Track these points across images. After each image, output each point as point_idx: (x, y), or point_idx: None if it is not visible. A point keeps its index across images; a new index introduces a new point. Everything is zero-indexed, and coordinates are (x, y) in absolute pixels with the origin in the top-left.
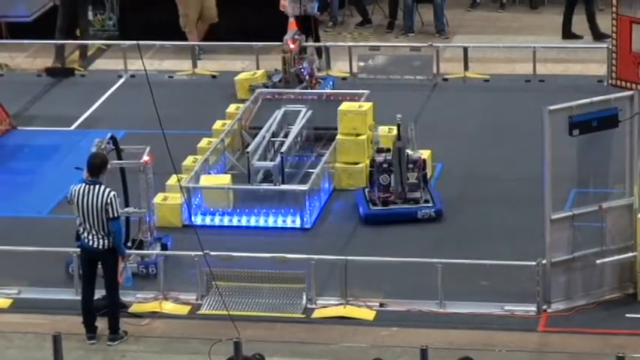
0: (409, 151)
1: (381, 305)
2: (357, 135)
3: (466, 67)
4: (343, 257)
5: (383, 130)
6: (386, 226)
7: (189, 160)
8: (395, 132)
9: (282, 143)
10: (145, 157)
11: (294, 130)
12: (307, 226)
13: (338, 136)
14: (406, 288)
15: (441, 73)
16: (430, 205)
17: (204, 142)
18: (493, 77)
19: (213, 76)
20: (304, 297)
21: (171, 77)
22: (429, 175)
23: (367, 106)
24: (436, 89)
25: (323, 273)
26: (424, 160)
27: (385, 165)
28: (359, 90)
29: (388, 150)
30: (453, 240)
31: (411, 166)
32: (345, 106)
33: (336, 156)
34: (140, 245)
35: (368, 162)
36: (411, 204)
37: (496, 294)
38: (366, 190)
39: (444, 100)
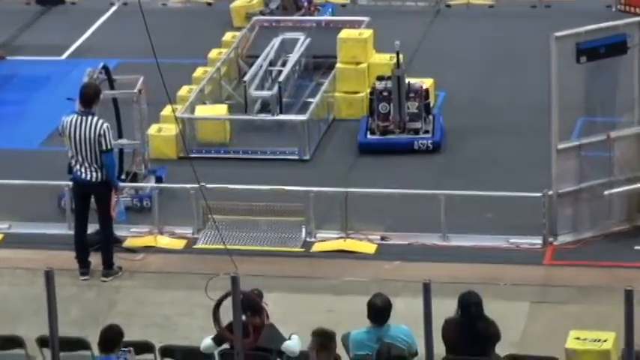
0: (410, 80)
1: (383, 239)
2: (357, 63)
3: None
4: (343, 189)
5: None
6: (385, 156)
7: (184, 90)
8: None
9: (279, 72)
10: (139, 87)
11: (292, 58)
12: (306, 157)
13: (337, 65)
14: (408, 221)
15: None
16: (429, 136)
17: (199, 72)
18: (498, 3)
19: (209, 4)
20: (303, 230)
21: (165, 5)
22: (432, 105)
23: (367, 33)
24: (439, 16)
25: (323, 205)
26: (426, 90)
27: (385, 93)
28: (359, 17)
29: (389, 78)
30: (455, 172)
31: (412, 95)
32: (344, 33)
33: (336, 85)
34: (134, 178)
35: (368, 91)
36: (410, 134)
37: (501, 227)
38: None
39: (447, 27)
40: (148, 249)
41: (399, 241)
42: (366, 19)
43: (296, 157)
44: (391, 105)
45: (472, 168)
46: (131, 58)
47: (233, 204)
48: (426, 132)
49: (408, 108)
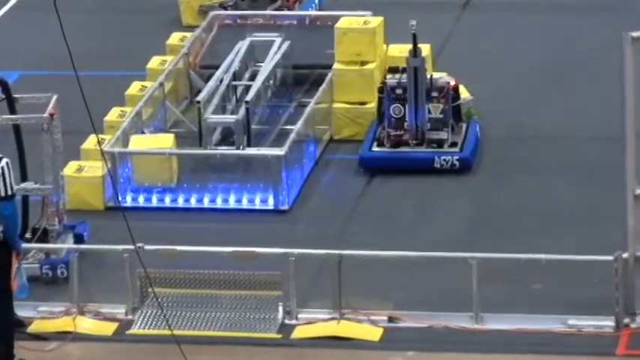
0: (434, 74)
1: (391, 320)
2: (363, 63)
3: None
4: (336, 251)
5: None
6: (396, 178)
7: (113, 114)
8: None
9: (247, 89)
10: (50, 110)
11: (265, 69)
12: (284, 206)
13: (335, 66)
14: (426, 294)
15: None
16: (455, 150)
17: (135, 88)
18: None
19: None
20: (280, 309)
21: None
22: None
23: (376, 22)
24: (468, 9)
25: (307, 274)
26: (455, 87)
27: (398, 91)
28: (358, 12)
29: (405, 70)
30: (490, 209)
31: (435, 94)
32: (344, 22)
33: (334, 93)
34: (44, 236)
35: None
36: (431, 147)
37: (556, 302)
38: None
39: (478, 24)
40: (63, 335)
41: (413, 324)
42: (366, 13)
43: (270, 207)
44: (406, 108)
45: (514, 209)
46: (39, 70)
47: (182, 273)
48: (453, 144)
49: (430, 112)
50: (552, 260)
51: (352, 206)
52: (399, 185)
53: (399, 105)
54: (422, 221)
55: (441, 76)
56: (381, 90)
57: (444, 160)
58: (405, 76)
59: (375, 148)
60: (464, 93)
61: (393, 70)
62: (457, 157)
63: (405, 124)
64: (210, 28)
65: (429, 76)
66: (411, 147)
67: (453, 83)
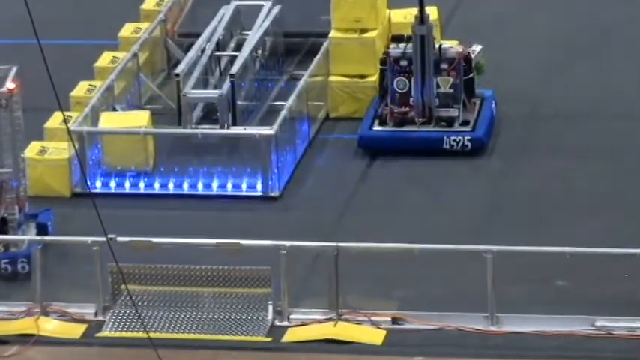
0: (443, 43)
1: (395, 321)
2: (363, 31)
3: None
4: (332, 243)
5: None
6: (400, 160)
7: (81, 89)
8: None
9: (232, 60)
10: (10, 84)
11: (252, 38)
12: (274, 192)
13: (332, 34)
14: (435, 292)
15: None
16: (467, 130)
17: (105, 59)
18: None
19: None
20: (270, 308)
21: None
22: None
23: None
24: None
25: (301, 268)
26: (466, 57)
27: (403, 62)
28: None
29: (410, 39)
30: (506, 193)
31: (444, 66)
32: None
33: (330, 66)
34: (2, 226)
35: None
36: (440, 126)
37: (581, 301)
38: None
39: None
40: (25, 339)
41: (420, 325)
42: None
43: (258, 193)
44: (412, 81)
45: (533, 196)
46: None
47: (159, 268)
48: (465, 123)
49: (438, 86)
50: (577, 253)
51: (351, 192)
52: (403, 169)
53: (403, 78)
54: (429, 210)
55: (452, 46)
56: (383, 61)
57: (455, 140)
58: (410, 45)
59: (377, 127)
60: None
61: (396, 38)
62: (469, 138)
63: (411, 99)
64: None
65: (437, 46)
66: (417, 126)
67: (465, 51)
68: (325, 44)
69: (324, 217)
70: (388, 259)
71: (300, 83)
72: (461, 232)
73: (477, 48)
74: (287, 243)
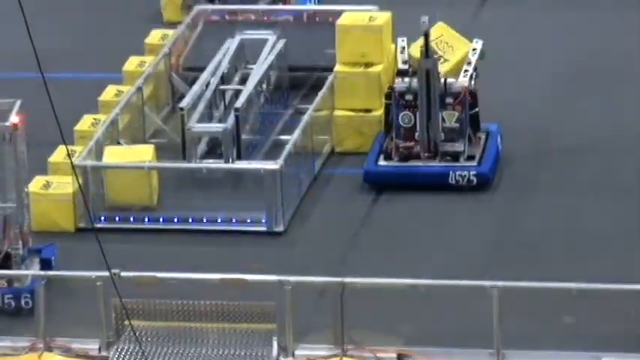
0: (448, 78)
1: (400, 357)
2: (368, 65)
3: None
4: (337, 279)
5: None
6: (406, 195)
7: (85, 123)
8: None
9: (237, 94)
10: (13, 118)
11: (257, 72)
12: (279, 227)
13: (337, 68)
14: (440, 327)
15: None
16: (473, 164)
17: (110, 93)
18: None
19: None
20: (275, 344)
21: None
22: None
23: (383, 18)
24: (488, 3)
25: (306, 304)
26: (472, 92)
27: (408, 97)
28: (362, 6)
29: (414, 73)
30: (512, 229)
31: (449, 100)
32: (347, 18)
33: (335, 100)
34: (5, 261)
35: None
36: (445, 161)
37: (587, 338)
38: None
39: (502, 18)
40: None
41: None
42: (372, 7)
43: (263, 228)
44: (417, 116)
45: (539, 232)
46: (0, 71)
47: (164, 303)
48: (470, 158)
49: (444, 121)
50: (584, 290)
51: (356, 228)
52: (408, 204)
53: (408, 113)
54: (435, 245)
55: (457, 80)
56: (388, 96)
57: (460, 175)
58: (415, 80)
59: (382, 162)
60: (465, 45)
61: (401, 73)
62: (475, 172)
63: (416, 134)
64: (195, 24)
65: (442, 80)
66: (422, 160)
67: (470, 88)
68: (330, 78)
69: (329, 252)
70: (394, 294)
71: (305, 117)
72: (466, 268)
73: (477, 44)
74: (292, 278)
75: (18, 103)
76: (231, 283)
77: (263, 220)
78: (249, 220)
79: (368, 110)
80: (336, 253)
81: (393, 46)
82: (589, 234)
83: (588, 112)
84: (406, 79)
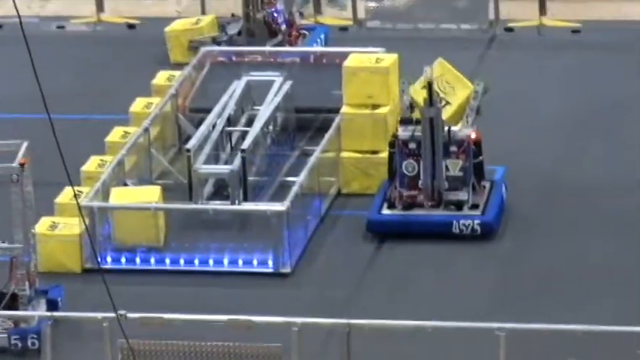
0: (452, 127)
1: None
2: (375, 107)
3: (543, 9)
4: (344, 320)
5: (416, 89)
6: (409, 244)
7: (92, 164)
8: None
9: (243, 135)
10: (20, 159)
11: (263, 113)
12: (286, 269)
13: (344, 109)
14: None
15: (503, 19)
16: (476, 213)
17: (116, 134)
18: (586, 25)
19: (131, 26)
20: None
21: (62, 28)
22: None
23: (390, 60)
24: (494, 45)
25: (313, 346)
26: (476, 141)
27: (412, 145)
28: (368, 48)
29: (418, 122)
30: (516, 276)
31: (453, 149)
32: (354, 60)
33: (342, 141)
34: (12, 302)
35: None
36: (449, 210)
37: None
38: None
39: (507, 63)
40: None
41: None
42: (378, 50)
43: (270, 270)
44: (421, 164)
45: (543, 282)
46: (7, 113)
47: (170, 344)
48: (474, 207)
49: (448, 169)
50: (590, 332)
51: (362, 270)
52: (411, 253)
53: (412, 161)
54: (438, 294)
55: (461, 129)
56: (392, 144)
57: (464, 224)
58: (419, 128)
59: (386, 211)
60: (467, 87)
61: (405, 121)
62: (479, 222)
63: (420, 182)
64: (202, 66)
65: (446, 129)
66: (426, 209)
67: (474, 136)
68: (337, 120)
69: (336, 293)
70: (400, 337)
71: (312, 159)
72: (470, 315)
73: (479, 86)
74: (298, 320)
75: (25, 144)
76: (238, 324)
77: (269, 262)
78: (255, 262)
79: (374, 152)
80: (343, 295)
81: (399, 87)
82: (595, 278)
83: (593, 164)
84: (410, 127)
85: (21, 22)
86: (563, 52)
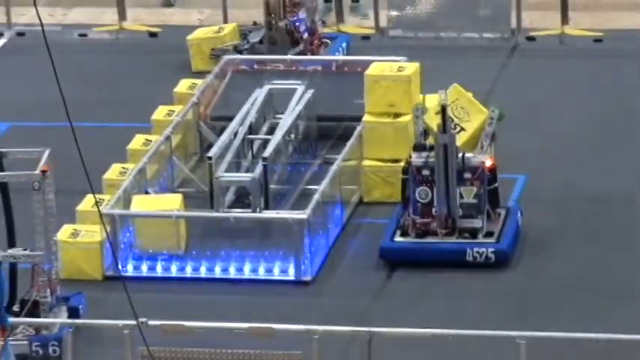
0: (467, 154)
1: None
2: (396, 115)
3: (565, 18)
4: (365, 328)
5: (432, 109)
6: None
7: (114, 171)
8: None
9: (265, 143)
10: (42, 167)
11: (285, 122)
12: (307, 277)
13: (365, 118)
14: None
15: (525, 28)
16: (491, 241)
17: (138, 142)
18: (608, 34)
19: (153, 34)
20: None
21: (85, 36)
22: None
23: (412, 68)
24: (516, 54)
25: (332, 354)
26: (491, 168)
27: (425, 172)
28: (390, 57)
29: (432, 148)
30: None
31: (467, 176)
32: (375, 68)
33: (363, 149)
34: (34, 309)
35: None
36: (463, 237)
37: None
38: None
39: (528, 72)
40: None
41: None
42: (401, 58)
43: (291, 278)
44: (434, 191)
45: (560, 298)
46: (29, 121)
47: (191, 352)
48: (489, 235)
49: (462, 197)
50: (611, 340)
51: (384, 277)
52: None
53: (425, 188)
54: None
55: (476, 156)
56: (405, 171)
57: (478, 252)
58: (432, 154)
59: (398, 238)
60: (481, 112)
61: (418, 147)
62: (493, 250)
63: (433, 210)
64: (223, 74)
65: (460, 155)
66: (439, 237)
67: (489, 163)
68: (358, 128)
69: (357, 302)
70: (421, 345)
71: (334, 167)
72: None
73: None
74: (319, 328)
75: (47, 152)
76: (259, 332)
77: (290, 270)
78: (276, 270)
79: (396, 160)
80: (364, 303)
81: (421, 96)
82: (622, 288)
83: (615, 175)
84: (423, 154)
85: (43, 31)
86: (585, 61)
